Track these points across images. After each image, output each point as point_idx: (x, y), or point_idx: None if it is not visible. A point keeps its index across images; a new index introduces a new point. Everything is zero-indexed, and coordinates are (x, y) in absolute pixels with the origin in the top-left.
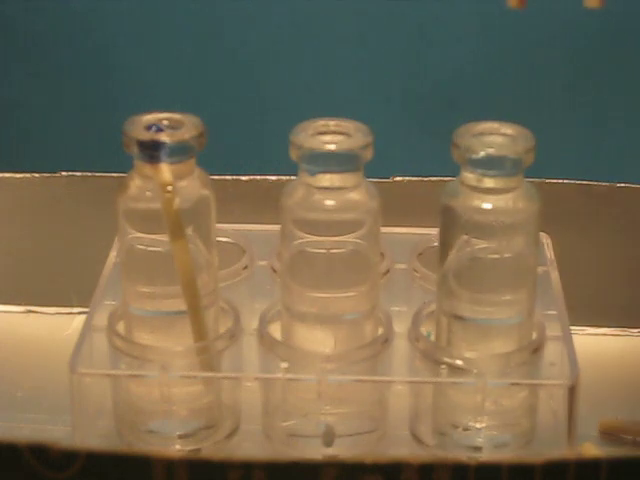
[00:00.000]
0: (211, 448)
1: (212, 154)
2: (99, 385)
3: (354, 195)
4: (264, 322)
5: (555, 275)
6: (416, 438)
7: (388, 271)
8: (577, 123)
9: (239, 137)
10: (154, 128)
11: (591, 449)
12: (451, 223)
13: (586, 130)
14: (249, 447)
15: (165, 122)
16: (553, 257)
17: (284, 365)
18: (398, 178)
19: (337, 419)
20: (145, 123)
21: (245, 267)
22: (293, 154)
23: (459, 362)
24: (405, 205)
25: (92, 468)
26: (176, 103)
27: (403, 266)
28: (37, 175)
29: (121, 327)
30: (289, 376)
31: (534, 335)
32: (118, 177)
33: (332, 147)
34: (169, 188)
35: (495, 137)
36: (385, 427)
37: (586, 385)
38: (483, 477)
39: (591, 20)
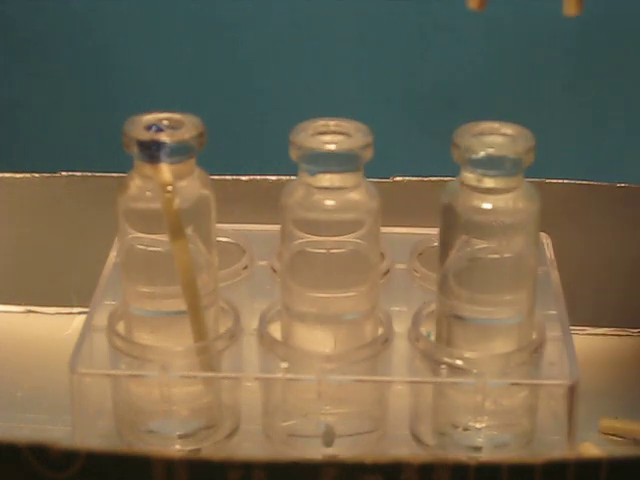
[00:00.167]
0: (211, 448)
1: (212, 154)
2: (99, 385)
3: (354, 195)
4: (264, 322)
5: (555, 275)
6: (416, 438)
7: (388, 271)
8: (577, 123)
9: (239, 137)
10: (154, 128)
11: (591, 449)
12: (451, 223)
13: (586, 130)
14: (249, 447)
15: (165, 122)
16: (553, 257)
17: (284, 365)
18: (398, 178)
19: (337, 419)
20: (145, 123)
21: (245, 267)
22: (293, 154)
23: (459, 362)
24: (405, 205)
25: (92, 468)
26: (176, 103)
27: (403, 266)
28: (37, 175)
29: (121, 327)
30: (289, 376)
31: (534, 335)
32: (118, 177)
33: (332, 147)
34: (169, 188)
35: (495, 137)
36: (385, 427)
37: (586, 385)
38: (483, 477)
39: (591, 20)
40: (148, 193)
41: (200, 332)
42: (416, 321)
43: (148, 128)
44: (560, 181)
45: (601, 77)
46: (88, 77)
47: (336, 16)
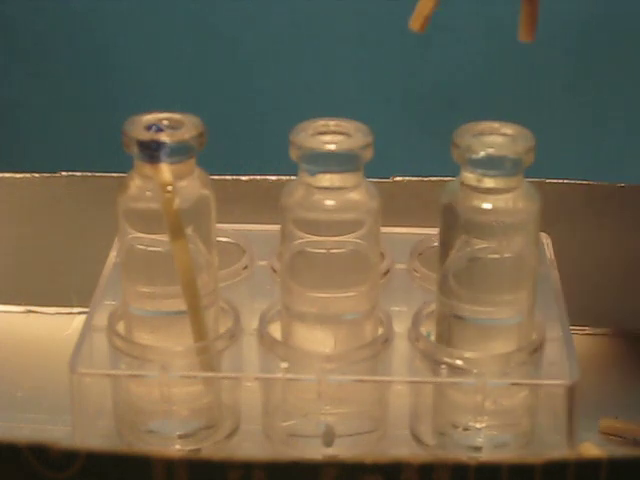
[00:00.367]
0: (211, 448)
1: (212, 154)
2: (99, 385)
3: (354, 195)
4: (264, 322)
5: (555, 275)
6: (416, 438)
7: (388, 271)
8: (577, 123)
9: (239, 137)
10: (154, 128)
11: (591, 449)
12: (451, 223)
13: (586, 130)
14: (249, 447)
15: (165, 122)
16: (553, 257)
17: (284, 365)
18: (398, 178)
19: (337, 419)
20: (145, 123)
21: (245, 267)
22: (293, 154)
23: (459, 362)
24: (405, 205)
25: (92, 468)
26: (176, 103)
27: (403, 266)
28: (37, 175)
29: (121, 327)
30: (289, 376)
31: (534, 335)
32: (118, 177)
33: (332, 147)
34: (169, 188)
35: (495, 137)
36: (385, 427)
37: (586, 385)
38: (483, 477)
39: (591, 20)
40: (148, 193)
41: (200, 332)
42: (416, 321)
43: (148, 128)
44: (560, 181)
45: (601, 77)
46: (88, 77)
47: (336, 16)
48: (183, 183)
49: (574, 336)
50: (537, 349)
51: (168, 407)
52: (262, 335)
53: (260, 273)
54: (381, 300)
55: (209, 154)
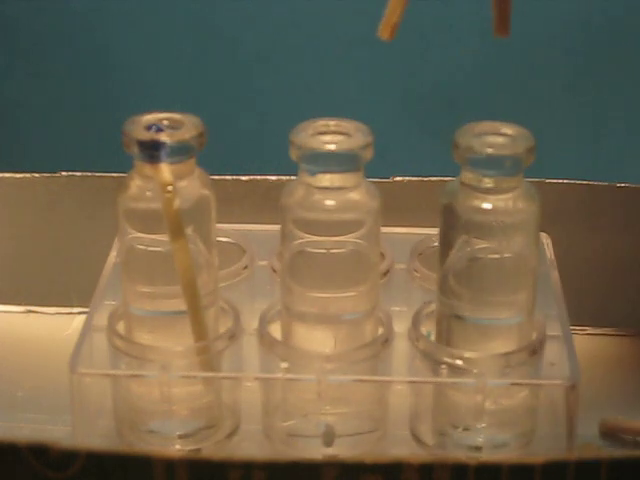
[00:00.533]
0: (211, 448)
1: (212, 154)
2: (99, 385)
3: (354, 195)
4: (264, 322)
5: (555, 275)
6: (416, 438)
7: (388, 271)
8: (577, 123)
9: (239, 137)
10: (154, 128)
11: (591, 449)
12: (451, 223)
13: (586, 130)
14: (249, 447)
15: (165, 122)
16: (553, 257)
17: (284, 365)
18: (398, 178)
19: (337, 419)
20: (145, 123)
21: (245, 267)
22: (293, 154)
23: (459, 362)
24: (405, 205)
25: (92, 468)
26: (176, 103)
27: (403, 266)
28: (37, 175)
29: (121, 327)
30: (289, 376)
31: (534, 335)
32: (118, 177)
33: (332, 147)
34: (169, 188)
35: (495, 137)
36: (385, 427)
37: (586, 385)
38: (483, 477)
39: (591, 20)
40: (148, 193)
41: (200, 332)
42: (416, 321)
43: (148, 128)
44: (560, 181)
45: (601, 77)
46: (88, 77)
47: (336, 16)
48: (183, 183)
49: (574, 336)
50: (537, 349)
51: (168, 407)
52: (262, 335)
53: (260, 273)
54: (381, 300)
55: (209, 154)
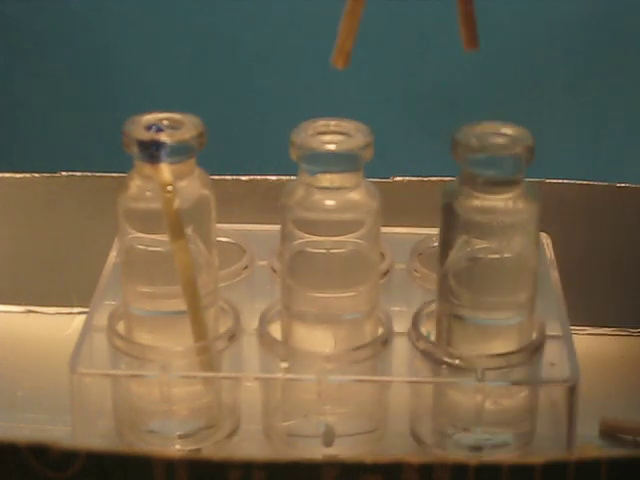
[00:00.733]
0: (211, 448)
1: (212, 154)
2: (99, 385)
3: (354, 195)
4: (264, 322)
5: (555, 275)
6: (416, 438)
7: (388, 271)
8: (577, 123)
9: (239, 137)
10: (154, 128)
11: (591, 449)
12: (451, 223)
13: (586, 130)
14: (249, 447)
15: (165, 122)
16: (553, 257)
17: (284, 365)
18: (398, 178)
19: (337, 419)
20: (145, 123)
21: (245, 267)
22: (293, 154)
23: (459, 362)
24: (405, 205)
25: (92, 468)
26: (176, 103)
27: (403, 266)
28: (37, 175)
29: (121, 327)
30: (289, 376)
31: (534, 335)
32: (118, 177)
33: (332, 147)
34: (169, 188)
35: (495, 137)
36: (385, 427)
37: (586, 385)
38: (483, 477)
39: (591, 20)
40: (148, 193)
41: (200, 332)
42: (416, 321)
43: (148, 128)
44: (560, 181)
45: (601, 77)
46: (88, 77)
47: (336, 16)
48: (183, 183)
49: (574, 336)
50: (537, 349)
51: (168, 407)
52: (262, 335)
53: (260, 273)
54: (381, 300)
55: (209, 154)
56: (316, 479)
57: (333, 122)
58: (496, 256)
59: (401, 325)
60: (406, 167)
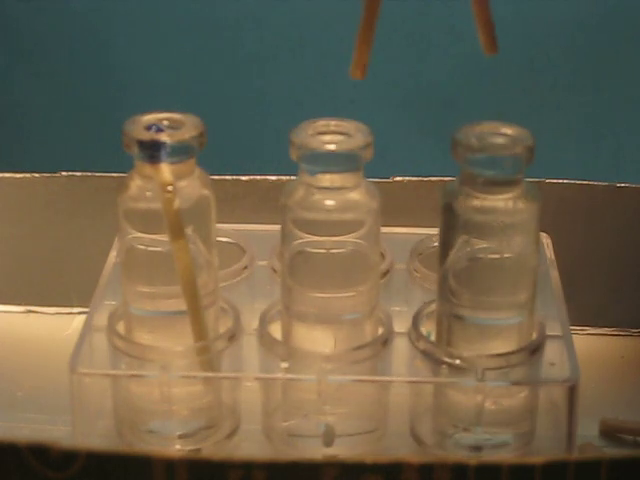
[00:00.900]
0: (211, 448)
1: (212, 154)
2: (99, 385)
3: (354, 195)
4: (264, 322)
5: (555, 275)
6: (416, 438)
7: (388, 271)
8: (577, 123)
9: (239, 137)
10: (154, 128)
11: (591, 449)
12: (451, 223)
13: (586, 130)
14: (249, 447)
15: (165, 122)
16: (553, 257)
17: (284, 365)
18: (398, 178)
19: (337, 419)
20: (145, 123)
21: (245, 267)
22: (293, 154)
23: (459, 362)
24: (405, 205)
25: (92, 468)
26: (176, 103)
27: (403, 266)
28: (37, 175)
29: (121, 327)
30: (289, 376)
31: (534, 335)
32: (118, 177)
33: (332, 147)
34: (169, 188)
35: (495, 137)
36: (385, 427)
37: (586, 385)
38: (483, 477)
39: (591, 20)
40: (148, 193)
41: (200, 332)
42: (416, 321)
43: (148, 128)
44: (560, 181)
45: (601, 77)
46: (88, 77)
47: (336, 16)
48: (183, 183)
49: (574, 336)
50: (537, 349)
51: (168, 407)
52: (262, 335)
53: (260, 273)
54: (381, 300)
55: (209, 154)
56: (316, 479)
57: (333, 122)
58: (496, 256)
59: (401, 325)
60: (406, 167)
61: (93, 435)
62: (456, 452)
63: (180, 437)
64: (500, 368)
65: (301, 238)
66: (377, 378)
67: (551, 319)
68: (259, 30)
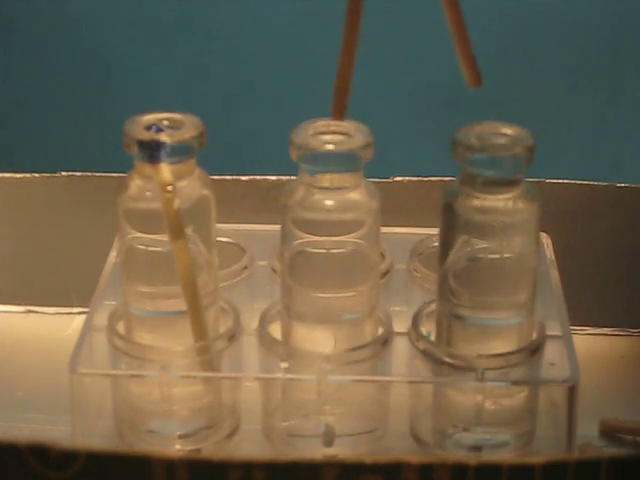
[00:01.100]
0: (211, 448)
1: (212, 154)
2: (99, 385)
3: (354, 195)
4: (264, 322)
5: (555, 275)
6: (416, 438)
7: (388, 271)
8: (577, 123)
9: (239, 137)
10: (154, 128)
11: (591, 449)
12: (451, 223)
13: (586, 130)
14: (249, 447)
15: (165, 122)
16: (553, 257)
17: (284, 365)
18: (398, 178)
19: (337, 419)
20: (145, 123)
21: (245, 267)
22: (293, 154)
23: (459, 362)
24: (405, 205)
25: (92, 468)
26: (176, 103)
27: (403, 266)
28: (37, 175)
29: (121, 327)
30: (289, 376)
31: (534, 335)
32: (118, 177)
33: (332, 147)
34: (169, 188)
35: (495, 137)
36: (385, 427)
37: (586, 385)
38: (483, 477)
39: (591, 20)
40: (148, 193)
41: (200, 332)
42: (416, 321)
43: (148, 128)
44: (560, 181)
45: (601, 77)
46: (88, 77)
47: (336, 16)
48: (183, 183)
49: (574, 336)
50: (537, 349)
51: (168, 407)
52: (262, 335)
53: (260, 273)
54: (381, 300)
55: (209, 154)
56: (316, 479)
57: (333, 122)
58: (496, 256)
59: (401, 325)
60: (406, 167)
61: (93, 435)
62: (456, 452)
63: (180, 437)
64: (500, 368)
65: (301, 238)
66: (377, 378)
67: (551, 319)
68: (259, 30)
